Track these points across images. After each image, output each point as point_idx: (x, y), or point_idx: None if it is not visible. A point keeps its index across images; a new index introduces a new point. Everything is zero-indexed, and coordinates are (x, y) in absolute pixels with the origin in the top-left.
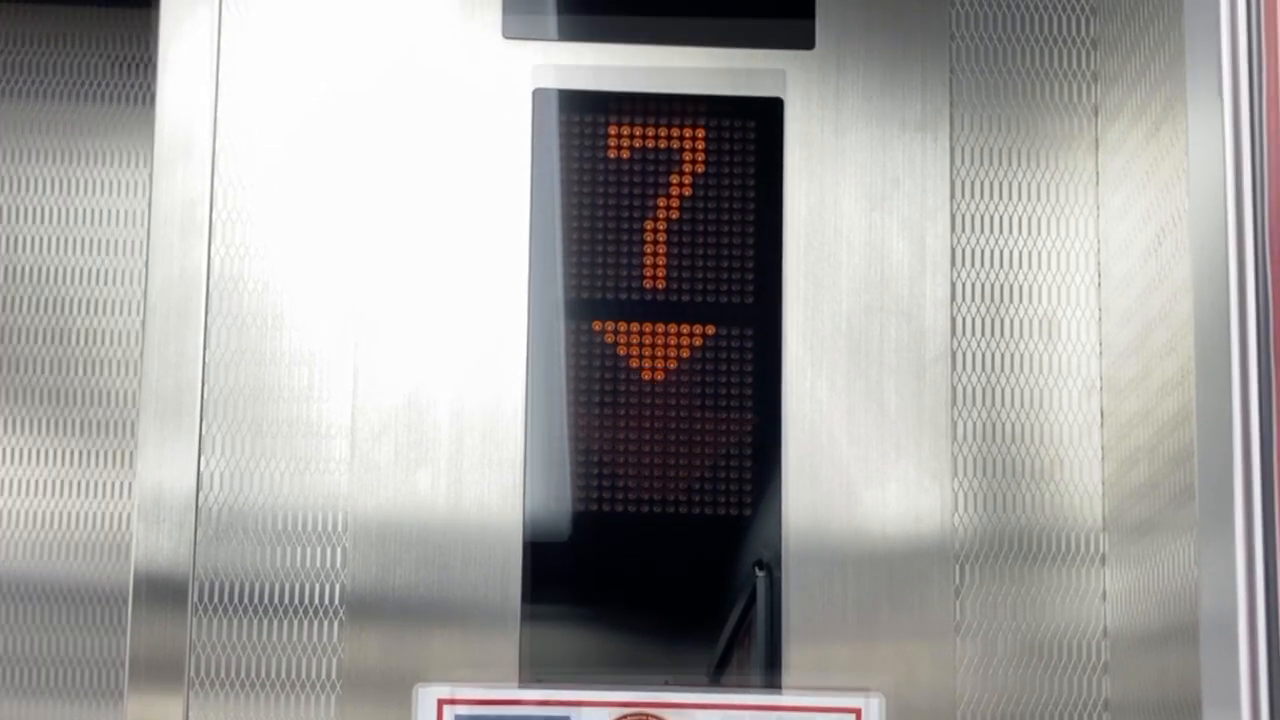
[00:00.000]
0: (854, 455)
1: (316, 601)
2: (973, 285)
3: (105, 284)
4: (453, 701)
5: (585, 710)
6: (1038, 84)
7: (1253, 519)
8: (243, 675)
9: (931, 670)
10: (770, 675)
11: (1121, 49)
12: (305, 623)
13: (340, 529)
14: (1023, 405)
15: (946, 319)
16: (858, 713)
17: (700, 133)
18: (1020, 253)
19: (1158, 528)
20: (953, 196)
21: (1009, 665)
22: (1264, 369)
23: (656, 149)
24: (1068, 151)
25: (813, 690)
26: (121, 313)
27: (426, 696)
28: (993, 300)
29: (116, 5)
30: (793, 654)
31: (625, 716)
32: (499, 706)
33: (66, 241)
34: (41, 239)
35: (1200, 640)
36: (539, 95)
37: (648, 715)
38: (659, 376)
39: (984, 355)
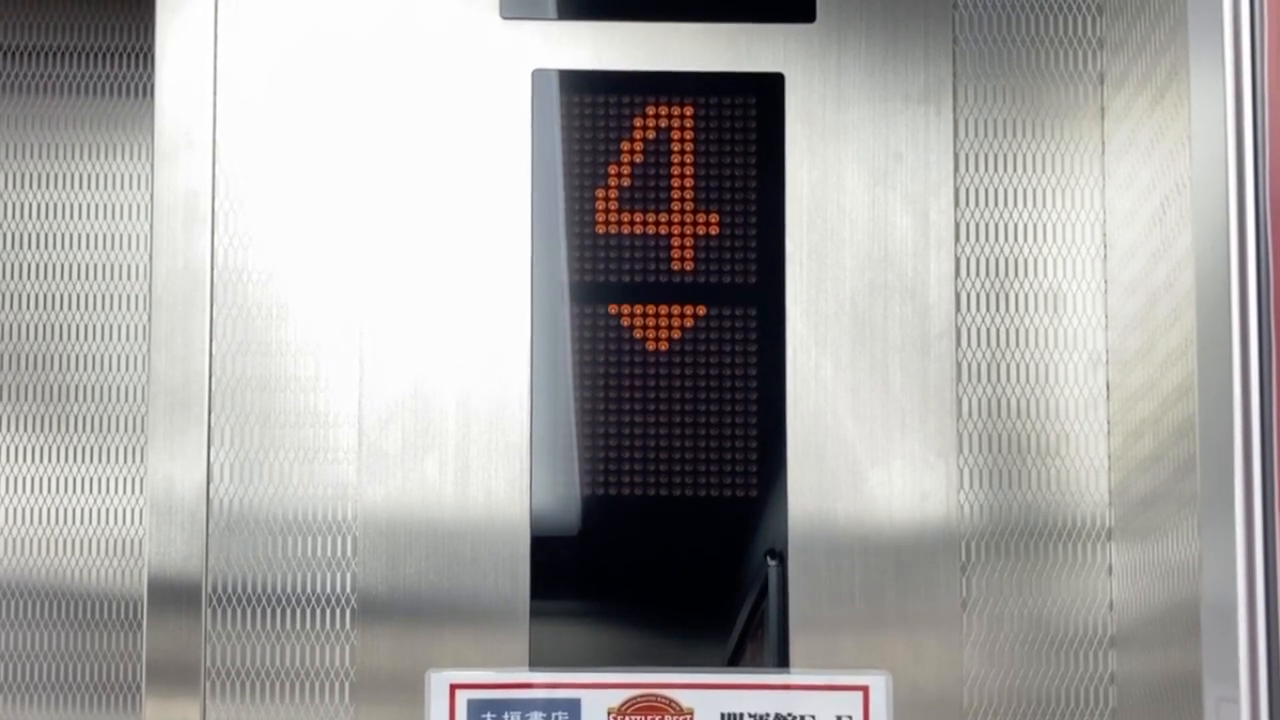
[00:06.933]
0: (859, 434)
1: (328, 591)
2: (977, 259)
3: (108, 279)
4: (465, 686)
5: (595, 692)
6: (1043, 52)
7: (1252, 490)
8: (258, 665)
9: (938, 647)
10: (779, 655)
11: (1127, 13)
12: (318, 612)
13: (350, 518)
14: (1028, 380)
15: (951, 294)
16: (865, 690)
17: (701, 110)
18: (1025, 226)
19: (1162, 500)
20: (956, 170)
21: (1015, 641)
22: (1265, 338)
23: (657, 127)
24: (1073, 121)
25: (821, 669)
26: (126, 308)
27: (439, 682)
28: (997, 274)
29: None
30: (800, 633)
31: (635, 698)
32: (510, 690)
33: (69, 237)
34: (43, 234)
35: (1201, 613)
36: (538, 76)
37: (657, 696)
38: (662, 359)
39: (989, 330)
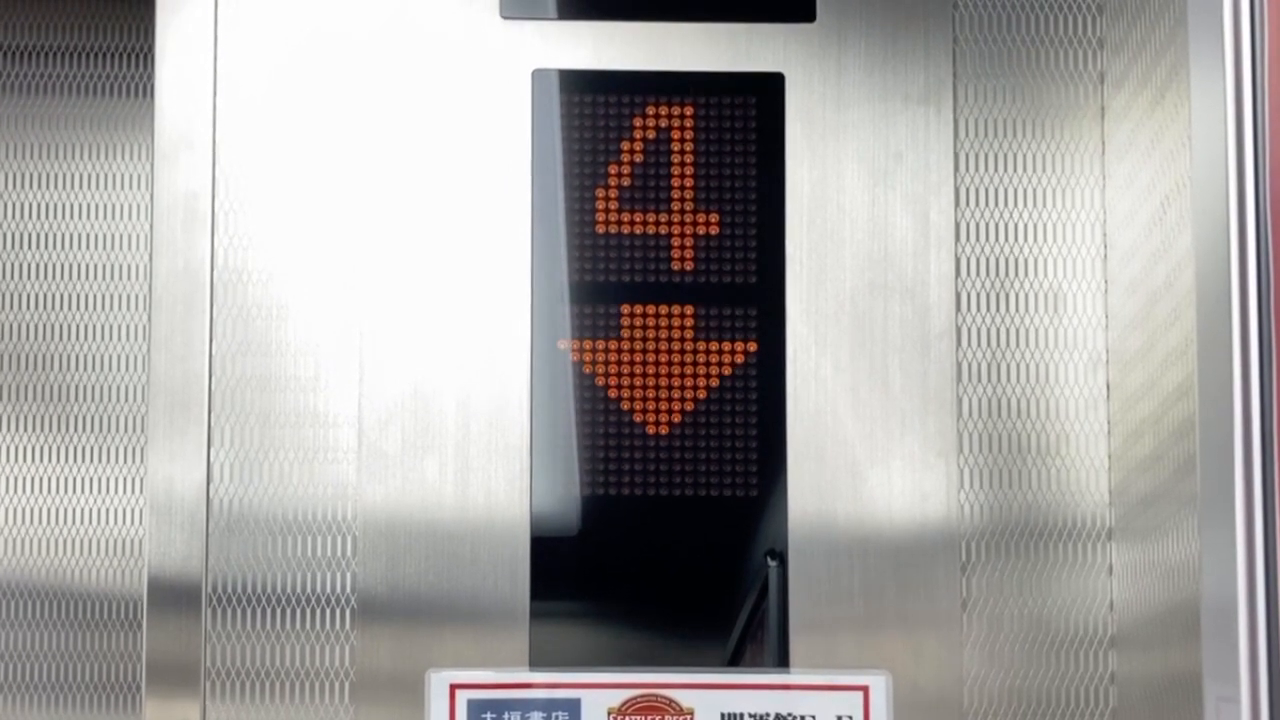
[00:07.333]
0: (859, 434)
1: (328, 591)
2: (977, 259)
3: (109, 279)
4: (465, 686)
5: (595, 692)
6: (1043, 51)
7: (1252, 490)
8: (258, 666)
9: (938, 647)
10: (779, 655)
11: (1127, 13)
12: (318, 612)
13: (350, 518)
14: (1029, 380)
15: (951, 294)
16: (865, 690)
17: (701, 109)
18: (1025, 225)
19: (1162, 500)
20: (956, 170)
21: (1016, 641)
22: (1265, 338)
23: (657, 127)
24: (1073, 121)
25: (821, 669)
26: (126, 308)
27: (439, 682)
28: (998, 274)
29: None
30: (800, 633)
31: (635, 698)
32: (510, 690)
33: (69, 237)
34: (44, 235)
35: (1201, 613)
36: (538, 76)
37: (657, 696)
38: (662, 359)
39: (989, 330)
